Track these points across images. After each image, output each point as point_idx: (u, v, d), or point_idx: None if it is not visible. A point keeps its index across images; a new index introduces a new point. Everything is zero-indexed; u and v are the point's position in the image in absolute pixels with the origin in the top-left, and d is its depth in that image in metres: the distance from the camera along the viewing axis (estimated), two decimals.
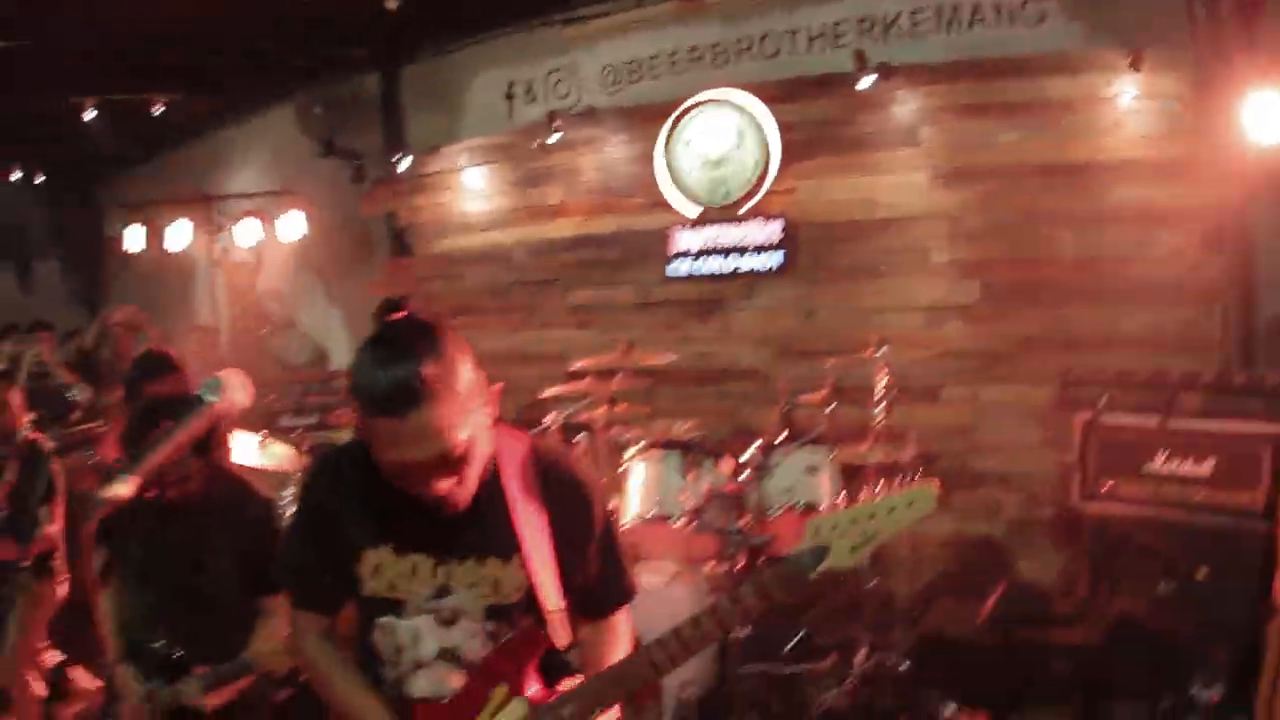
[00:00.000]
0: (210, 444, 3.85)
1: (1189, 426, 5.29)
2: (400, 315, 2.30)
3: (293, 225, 9.35)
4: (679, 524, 5.62)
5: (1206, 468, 5.20)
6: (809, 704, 5.73)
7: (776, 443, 5.94)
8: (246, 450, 6.13)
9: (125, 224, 9.93)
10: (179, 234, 9.79)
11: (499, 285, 8.67)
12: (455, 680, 2.51)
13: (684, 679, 5.34)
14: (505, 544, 2.47)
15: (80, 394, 4.16)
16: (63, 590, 5.75)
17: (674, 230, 7.42)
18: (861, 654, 5.81)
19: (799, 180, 6.98)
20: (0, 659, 5.61)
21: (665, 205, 7.47)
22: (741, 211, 7.12)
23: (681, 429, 6.74)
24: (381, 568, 2.47)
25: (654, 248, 7.62)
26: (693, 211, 7.33)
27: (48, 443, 5.89)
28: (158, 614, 3.89)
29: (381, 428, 2.17)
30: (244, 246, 9.87)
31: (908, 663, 5.70)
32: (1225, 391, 5.45)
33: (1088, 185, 6.16)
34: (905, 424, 6.19)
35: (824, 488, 5.74)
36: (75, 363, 9.28)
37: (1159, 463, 5.34)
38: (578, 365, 6.78)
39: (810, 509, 5.65)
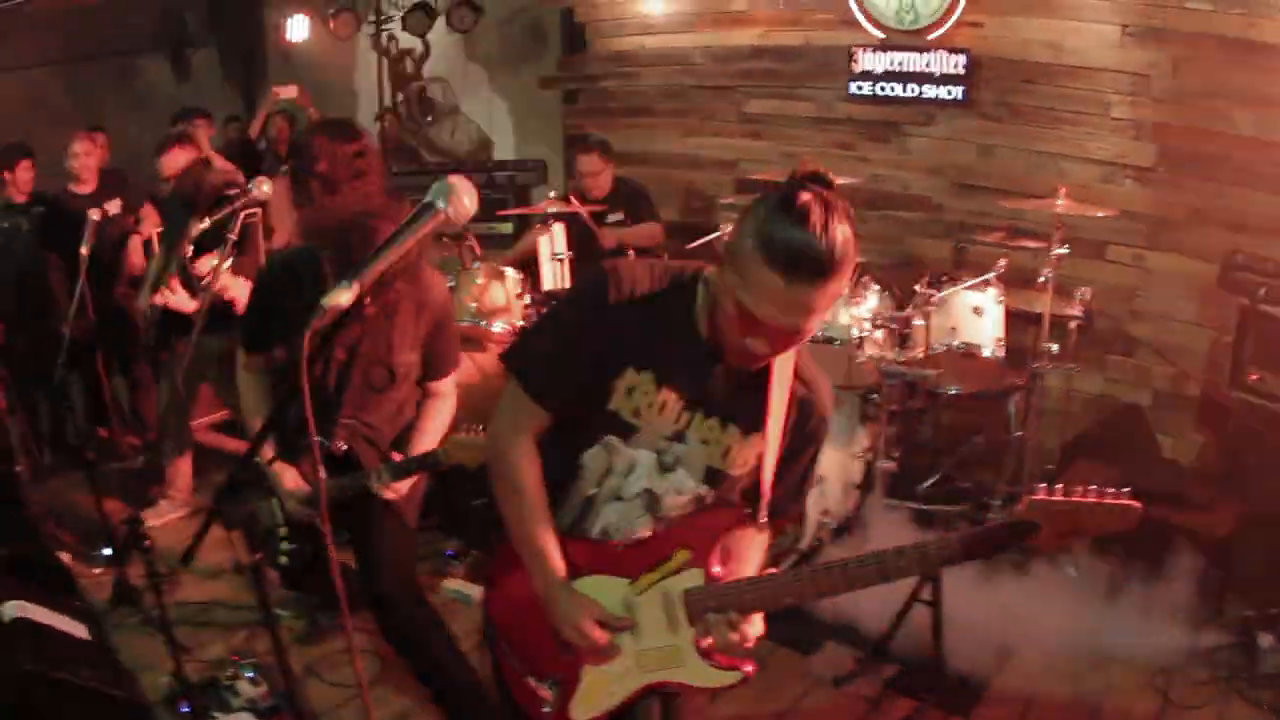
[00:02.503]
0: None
1: None
2: (824, 193, 2.34)
3: (463, 16, 10.04)
4: (840, 348, 6.07)
5: None
6: None
7: (944, 278, 6.42)
8: None
9: (287, 14, 10.59)
10: (343, 23, 10.42)
11: (674, 88, 9.36)
12: (641, 526, 2.76)
13: (824, 508, 5.96)
14: (753, 420, 2.66)
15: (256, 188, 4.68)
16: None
17: (858, 50, 7.98)
18: (997, 505, 6.38)
19: (988, 15, 7.40)
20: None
21: (851, 24, 7.99)
22: (929, 38, 7.63)
23: None
24: (635, 391, 2.63)
25: (836, 65, 8.18)
26: (878, 34, 7.90)
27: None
28: (327, 407, 4.10)
29: (765, 281, 2.29)
30: (411, 35, 10.59)
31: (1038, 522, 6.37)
32: None
33: (1273, 68, 6.33)
34: (1069, 278, 6.55)
35: (987, 332, 6.20)
36: (236, 150, 9.98)
37: None
38: (754, 176, 7.50)
39: (972, 351, 6.18)
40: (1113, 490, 2.39)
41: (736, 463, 2.71)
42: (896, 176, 8.18)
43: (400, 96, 11.33)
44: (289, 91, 10.08)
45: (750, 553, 2.84)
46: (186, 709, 4.61)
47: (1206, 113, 6.64)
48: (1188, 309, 6.97)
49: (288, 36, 10.73)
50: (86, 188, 7.54)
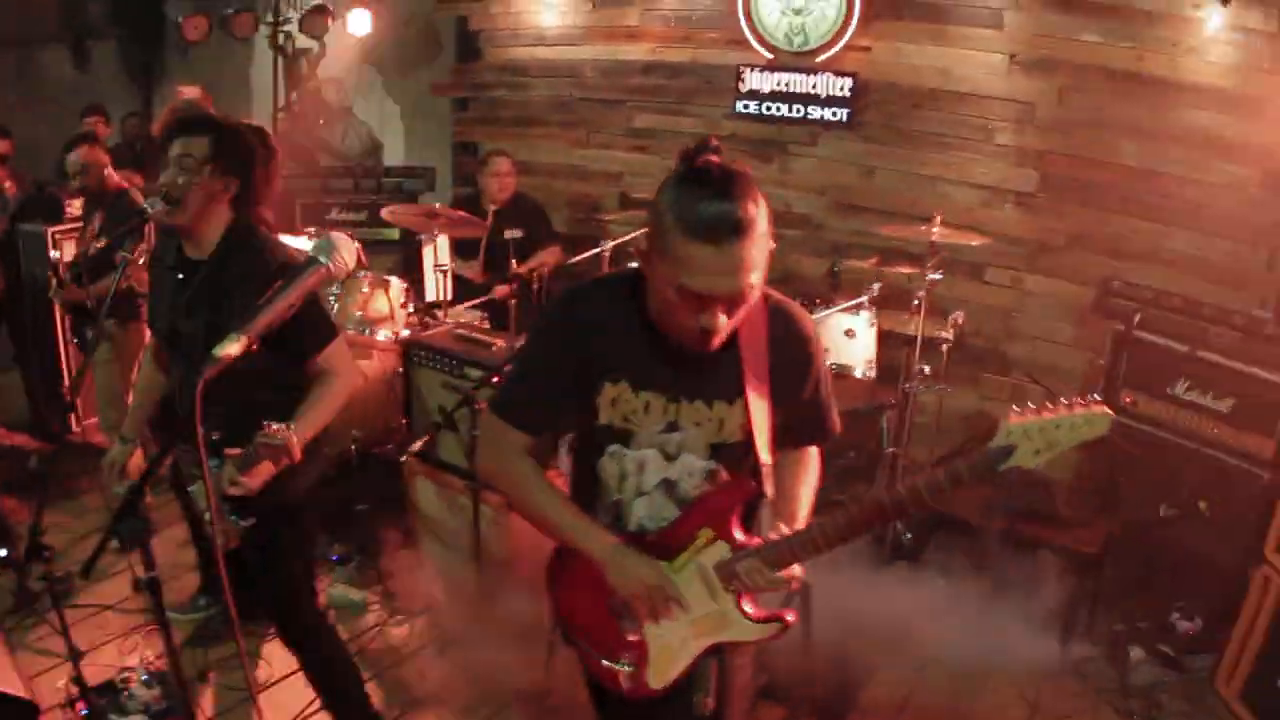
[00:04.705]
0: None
1: (1215, 360, 5.57)
2: (715, 158, 2.45)
3: (360, 21, 9.86)
4: None
5: (1225, 405, 5.51)
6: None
7: (818, 300, 6.43)
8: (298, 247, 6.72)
9: (187, 14, 10.24)
10: (242, 24, 10.19)
11: (564, 100, 9.18)
12: (669, 511, 2.84)
13: None
14: (732, 388, 2.72)
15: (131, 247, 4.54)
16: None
17: (746, 70, 7.84)
18: None
19: (876, 40, 7.32)
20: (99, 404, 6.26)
21: (740, 44, 7.87)
22: (817, 60, 7.50)
23: None
24: (618, 401, 2.74)
25: (724, 83, 8.05)
26: (767, 54, 7.76)
27: (139, 195, 6.49)
28: (186, 398, 3.77)
29: (695, 254, 2.36)
30: (307, 37, 10.29)
31: (909, 535, 6.25)
32: (1256, 336, 5.70)
33: (1159, 101, 6.41)
34: (946, 298, 6.61)
35: (859, 354, 6.24)
36: (133, 147, 9.81)
37: (1181, 389, 5.67)
38: (637, 195, 7.37)
39: (844, 372, 6.20)
40: (1080, 400, 2.40)
41: (734, 430, 2.77)
42: (779, 195, 7.98)
43: (294, 96, 11.00)
44: (192, 91, 9.68)
45: (788, 482, 2.96)
46: (84, 712, 4.53)
47: (1091, 142, 6.66)
48: (1064, 331, 7.02)
49: (187, 36, 10.26)
50: None
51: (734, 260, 2.38)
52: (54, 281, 6.32)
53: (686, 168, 2.47)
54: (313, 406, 3.83)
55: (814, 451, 3.11)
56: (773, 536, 2.70)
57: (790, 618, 2.84)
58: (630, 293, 2.71)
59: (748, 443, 2.77)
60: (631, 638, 2.88)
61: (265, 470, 3.72)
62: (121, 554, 2.68)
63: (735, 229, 2.35)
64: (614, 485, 2.87)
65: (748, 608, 2.80)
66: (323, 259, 2.58)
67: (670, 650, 2.86)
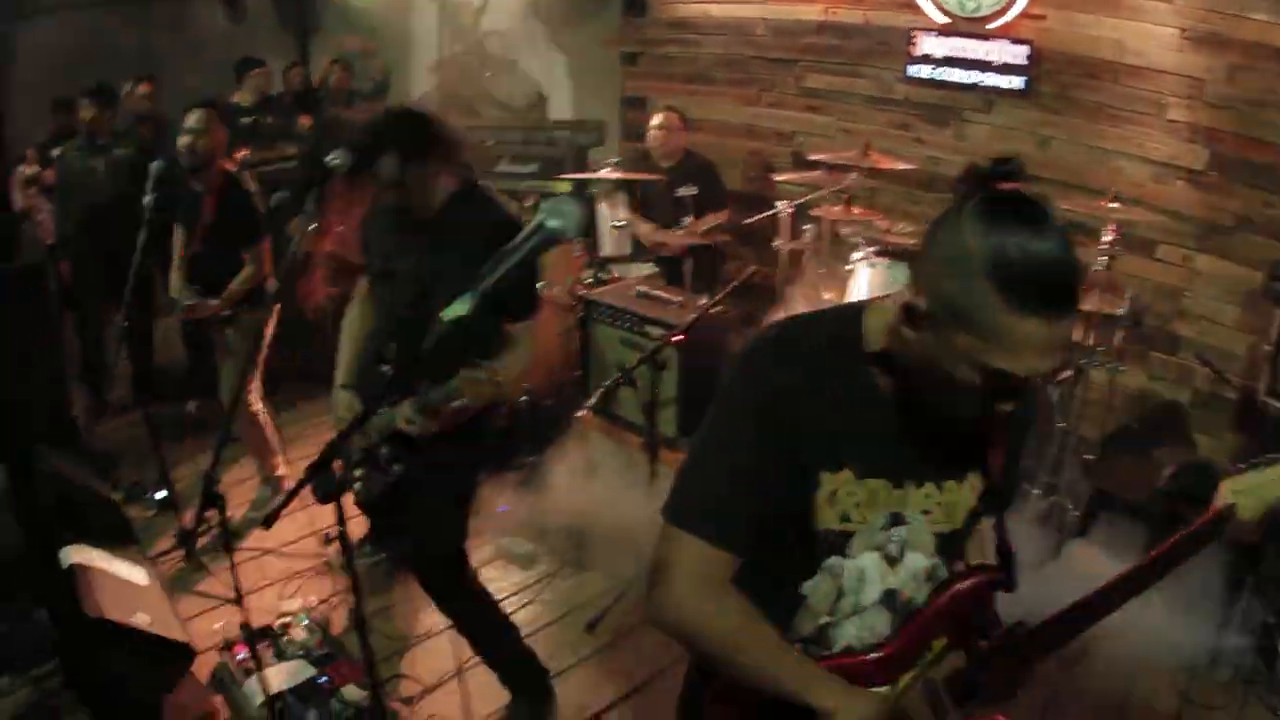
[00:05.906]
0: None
1: None
2: (1019, 181, 1.92)
3: None
4: None
5: None
6: None
7: None
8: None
9: None
10: None
11: (735, 58, 9.41)
12: (882, 624, 2.32)
13: None
14: (965, 458, 2.23)
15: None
16: (271, 327, 6.26)
17: (919, 33, 8.03)
18: (1036, 494, 6.36)
19: (1050, 9, 7.43)
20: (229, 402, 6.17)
21: (913, 7, 8.03)
22: (989, 27, 7.66)
23: (903, 230, 7.40)
24: (837, 496, 2.16)
25: (897, 46, 8.21)
26: (940, 18, 7.93)
27: (249, 179, 6.33)
28: (388, 337, 4.06)
29: (1021, 330, 1.79)
30: None
31: (1076, 513, 6.30)
32: None
33: None
34: (1117, 274, 6.58)
35: None
36: (296, 97, 10.22)
37: None
38: (815, 156, 7.61)
39: None
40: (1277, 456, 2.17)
41: (962, 515, 2.29)
42: (954, 161, 8.16)
43: (458, 48, 11.33)
44: (355, 43, 10.17)
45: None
46: (243, 655, 4.73)
47: (1258, 122, 6.64)
48: (1229, 313, 6.97)
49: None
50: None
51: (1063, 335, 1.84)
52: (181, 296, 6.22)
53: (989, 200, 1.87)
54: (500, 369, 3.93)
55: None
56: (1017, 633, 2.26)
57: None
58: (849, 342, 2.15)
59: (970, 527, 2.33)
60: None
61: (444, 415, 3.90)
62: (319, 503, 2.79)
63: (1074, 295, 1.83)
64: (823, 608, 2.29)
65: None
66: (551, 222, 2.44)
67: None
